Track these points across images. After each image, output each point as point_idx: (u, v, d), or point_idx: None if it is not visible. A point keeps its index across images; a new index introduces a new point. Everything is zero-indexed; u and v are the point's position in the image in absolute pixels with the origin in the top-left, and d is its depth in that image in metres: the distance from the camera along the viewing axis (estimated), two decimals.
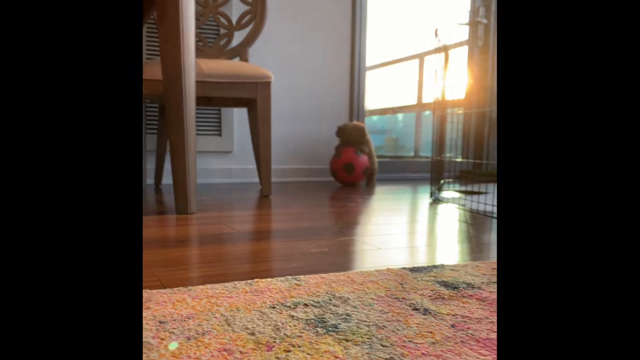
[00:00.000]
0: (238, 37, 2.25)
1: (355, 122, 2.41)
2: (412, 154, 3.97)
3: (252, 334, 0.51)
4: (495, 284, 0.71)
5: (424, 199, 1.88)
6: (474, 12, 3.07)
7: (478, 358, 0.47)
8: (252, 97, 1.78)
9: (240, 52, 2.11)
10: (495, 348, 0.49)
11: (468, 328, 0.54)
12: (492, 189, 1.81)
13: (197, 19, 2.09)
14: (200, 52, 2.07)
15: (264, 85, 1.78)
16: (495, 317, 0.58)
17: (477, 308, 0.61)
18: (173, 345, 0.48)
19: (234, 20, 2.18)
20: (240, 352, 0.47)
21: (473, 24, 3.00)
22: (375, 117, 4.72)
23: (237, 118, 2.46)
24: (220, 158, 2.46)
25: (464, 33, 2.98)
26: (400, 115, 4.54)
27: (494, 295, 0.66)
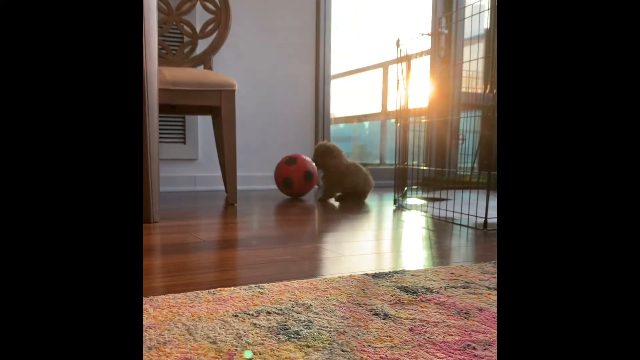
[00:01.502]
0: (202, 45, 2.25)
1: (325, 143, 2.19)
2: (377, 161, 4.02)
3: (214, 342, 0.51)
4: (452, 289, 0.73)
5: (388, 206, 1.91)
6: (435, 23, 3.14)
7: None
8: (216, 105, 1.78)
9: (205, 60, 2.11)
10: (450, 351, 0.51)
11: (425, 332, 0.56)
12: (453, 195, 1.85)
13: (160, 27, 2.07)
14: (163, 60, 2.05)
15: (228, 94, 1.78)
16: (451, 321, 0.60)
17: (435, 312, 0.63)
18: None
19: (198, 28, 2.17)
20: None
21: (435, 34, 3.08)
22: (342, 125, 4.76)
23: (202, 125, 2.45)
24: (185, 166, 2.44)
25: (426, 43, 3.04)
26: (366, 124, 4.60)
27: (452, 300, 0.68)
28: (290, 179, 2.12)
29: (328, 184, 2.12)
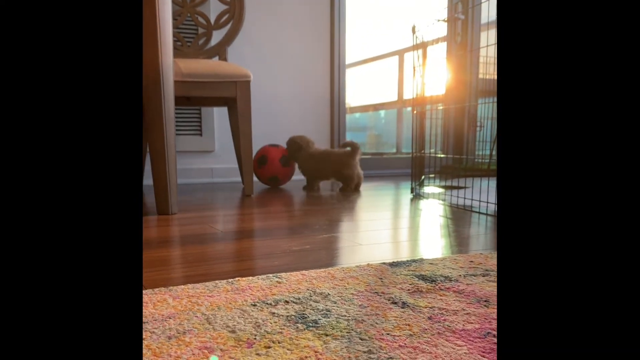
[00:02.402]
0: (217, 36, 2.25)
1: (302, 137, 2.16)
2: (394, 150, 4.00)
3: (233, 331, 0.52)
4: (472, 277, 0.72)
5: (406, 195, 1.90)
6: (451, 8, 3.10)
7: (454, 349, 0.48)
8: (232, 96, 1.78)
9: (219, 52, 2.11)
10: (470, 339, 0.50)
11: (445, 320, 0.55)
12: (471, 183, 1.83)
13: (174, 19, 2.07)
14: (178, 52, 2.06)
15: (244, 84, 1.78)
16: (471, 309, 0.59)
17: (454, 300, 0.62)
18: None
19: (212, 19, 2.17)
20: (221, 349, 0.47)
21: (451, 20, 3.03)
22: (357, 114, 4.74)
23: (218, 117, 2.45)
24: (202, 158, 2.45)
25: (442, 29, 3.00)
26: (382, 112, 4.57)
27: (471, 288, 0.67)
28: (266, 156, 2.14)
29: (305, 175, 2.15)
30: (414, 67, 1.86)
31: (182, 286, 0.67)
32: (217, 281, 0.69)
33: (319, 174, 2.11)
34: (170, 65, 1.36)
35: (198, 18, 2.11)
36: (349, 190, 2.04)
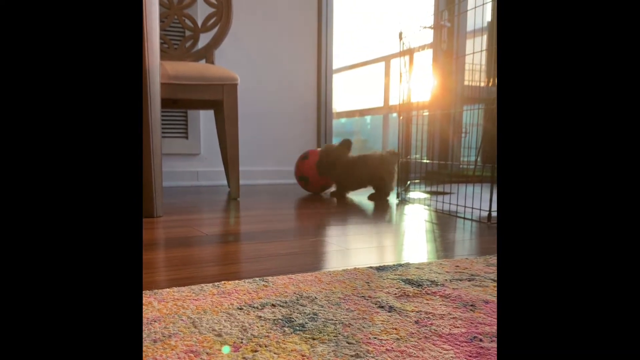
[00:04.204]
0: (204, 39, 2.24)
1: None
2: None
3: (219, 335, 0.51)
4: (458, 281, 0.73)
5: (392, 200, 1.91)
6: (438, 16, 3.13)
7: (440, 353, 0.48)
8: (219, 99, 1.77)
9: (206, 54, 2.10)
10: (457, 343, 0.51)
11: (431, 324, 0.56)
12: (456, 189, 1.85)
13: (161, 21, 2.06)
14: (165, 55, 2.04)
15: (231, 87, 1.77)
16: (457, 314, 0.59)
17: (440, 304, 0.62)
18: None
19: (199, 22, 2.16)
20: (207, 353, 0.47)
21: (437, 27, 3.06)
22: (343, 119, 4.75)
23: (204, 120, 2.44)
24: (187, 160, 2.43)
25: (428, 36, 3.03)
26: (368, 118, 4.59)
27: (457, 292, 0.67)
28: (306, 175, 2.05)
29: (336, 183, 1.99)
30: (400, 73, 1.88)
31: (168, 289, 0.66)
32: (203, 284, 0.69)
33: (351, 181, 1.93)
34: (157, 67, 1.35)
35: (185, 20, 2.10)
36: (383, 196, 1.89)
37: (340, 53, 3.73)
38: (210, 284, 0.69)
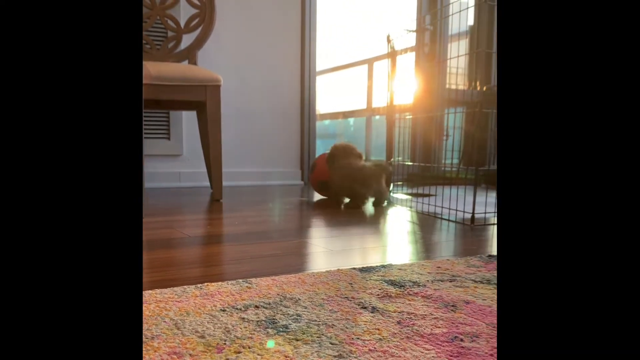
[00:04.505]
0: (187, 40, 2.22)
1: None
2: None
3: (202, 336, 0.51)
4: (439, 282, 0.74)
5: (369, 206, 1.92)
6: (420, 20, 3.15)
7: (422, 352, 0.49)
8: (202, 100, 1.76)
9: (189, 56, 2.09)
10: (438, 342, 0.51)
11: (413, 324, 0.56)
12: (440, 191, 1.86)
13: (144, 22, 2.05)
14: (147, 55, 2.03)
15: (214, 89, 1.77)
16: (439, 314, 0.60)
17: (422, 305, 0.63)
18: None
19: (182, 23, 2.15)
20: (190, 354, 0.47)
21: (420, 30, 3.09)
22: (327, 121, 4.76)
23: (187, 121, 2.43)
24: (169, 162, 2.42)
25: (411, 40, 3.05)
26: (351, 120, 4.60)
27: (438, 293, 0.68)
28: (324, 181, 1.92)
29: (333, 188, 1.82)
30: (388, 75, 1.89)
31: (150, 291, 0.66)
32: (185, 286, 0.68)
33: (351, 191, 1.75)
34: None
35: (168, 21, 2.09)
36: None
37: (324, 55, 3.74)
38: (193, 286, 0.69)
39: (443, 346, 0.50)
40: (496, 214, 0.36)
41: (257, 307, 0.61)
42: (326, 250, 0.98)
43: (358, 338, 0.52)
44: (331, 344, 0.50)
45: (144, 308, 0.59)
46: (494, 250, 1.01)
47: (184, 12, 2.29)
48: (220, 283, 0.70)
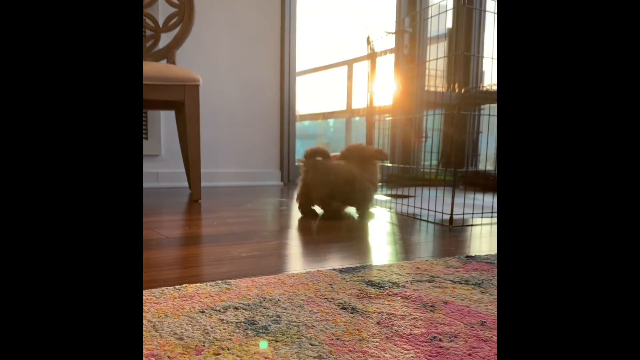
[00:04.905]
0: (165, 39, 2.20)
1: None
2: None
3: (181, 338, 0.51)
4: (418, 282, 0.74)
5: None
6: (399, 21, 3.18)
7: (401, 353, 0.49)
8: (180, 100, 1.75)
9: (168, 55, 2.07)
10: (417, 343, 0.52)
11: (392, 325, 0.57)
12: (419, 192, 1.88)
13: None
14: None
15: (192, 89, 1.75)
16: (418, 314, 0.60)
17: (401, 305, 0.63)
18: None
19: (161, 22, 2.13)
20: (169, 357, 0.46)
21: (399, 32, 3.11)
22: (306, 122, 4.76)
23: (165, 121, 2.40)
24: (147, 162, 2.39)
25: (390, 41, 3.07)
26: (331, 121, 4.61)
27: (417, 293, 0.69)
28: None
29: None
30: (368, 77, 1.90)
31: None
32: (163, 288, 0.68)
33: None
34: None
35: (146, 20, 2.06)
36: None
37: (304, 56, 3.74)
38: (171, 287, 0.68)
39: (422, 346, 0.51)
40: (496, 214, 0.36)
41: (236, 308, 0.60)
42: (306, 251, 0.98)
43: (338, 339, 0.52)
44: (311, 344, 0.50)
45: None
46: (472, 251, 1.02)
47: (162, 11, 2.26)
48: (199, 284, 0.70)
